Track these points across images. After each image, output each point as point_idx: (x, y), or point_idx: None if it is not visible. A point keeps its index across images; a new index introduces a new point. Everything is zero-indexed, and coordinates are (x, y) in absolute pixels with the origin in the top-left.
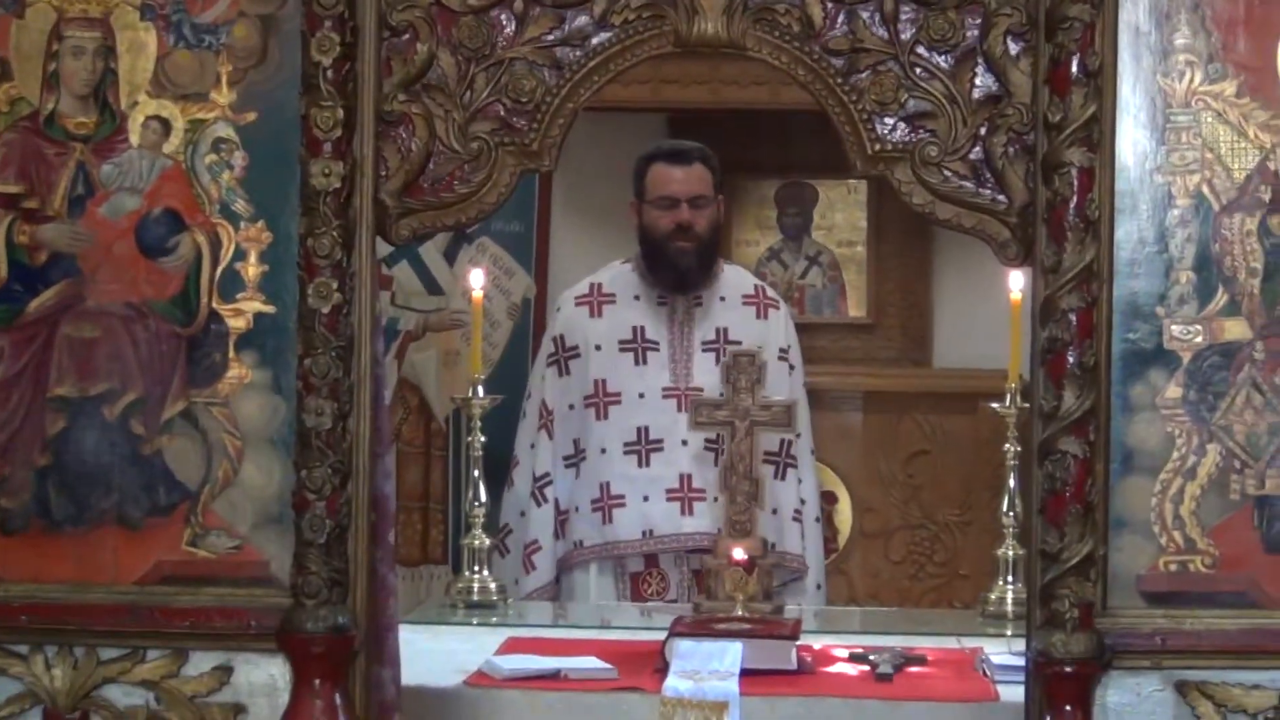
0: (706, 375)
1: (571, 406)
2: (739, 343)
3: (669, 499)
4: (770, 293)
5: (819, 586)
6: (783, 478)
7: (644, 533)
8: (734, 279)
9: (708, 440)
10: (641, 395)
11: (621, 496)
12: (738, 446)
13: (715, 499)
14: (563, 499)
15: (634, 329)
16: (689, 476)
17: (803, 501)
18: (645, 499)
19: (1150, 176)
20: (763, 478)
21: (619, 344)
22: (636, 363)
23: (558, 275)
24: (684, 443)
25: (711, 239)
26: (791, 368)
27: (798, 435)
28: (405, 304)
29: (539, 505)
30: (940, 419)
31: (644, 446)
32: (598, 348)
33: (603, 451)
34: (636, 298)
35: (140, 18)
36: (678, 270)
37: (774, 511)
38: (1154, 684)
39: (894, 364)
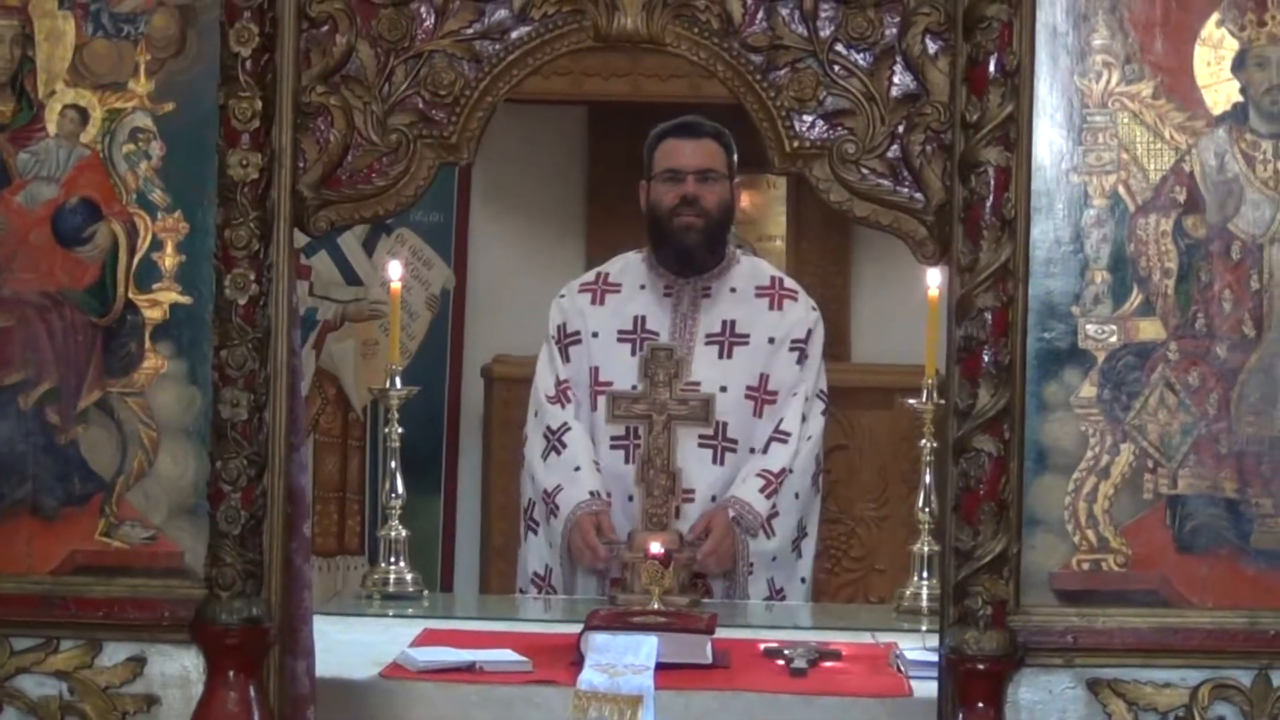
0: (706, 370)
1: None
2: (746, 336)
3: None
4: (789, 284)
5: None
6: (769, 450)
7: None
8: (749, 270)
9: (702, 437)
10: (634, 387)
11: (608, 495)
12: (655, 440)
13: (713, 498)
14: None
15: (635, 319)
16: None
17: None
18: (630, 499)
19: (1066, 176)
20: (679, 471)
21: (618, 333)
22: (633, 353)
23: (477, 266)
24: None
25: (721, 219)
26: (805, 357)
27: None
28: (324, 294)
29: (558, 454)
30: (857, 414)
31: (631, 441)
32: (595, 335)
33: (594, 444)
34: (642, 287)
35: (59, 6)
36: (682, 248)
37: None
38: (1066, 681)
39: None
